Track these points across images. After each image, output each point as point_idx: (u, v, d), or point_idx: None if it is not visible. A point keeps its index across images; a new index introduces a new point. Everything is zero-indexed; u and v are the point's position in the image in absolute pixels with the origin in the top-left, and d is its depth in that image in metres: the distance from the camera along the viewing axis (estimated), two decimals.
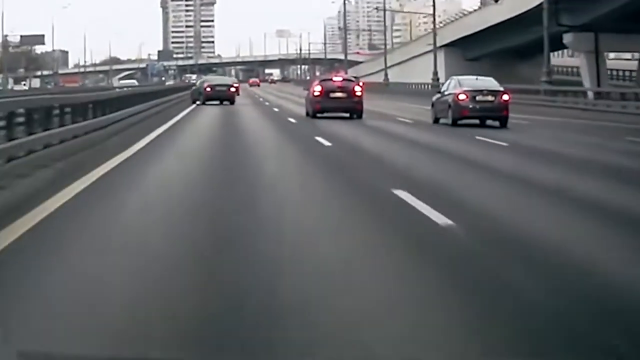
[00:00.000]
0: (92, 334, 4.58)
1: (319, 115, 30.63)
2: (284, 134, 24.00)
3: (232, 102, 46.25)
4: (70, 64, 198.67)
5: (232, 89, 47.32)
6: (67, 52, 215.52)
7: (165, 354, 4.26)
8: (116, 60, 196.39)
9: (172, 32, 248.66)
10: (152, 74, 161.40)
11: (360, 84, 33.28)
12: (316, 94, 31.12)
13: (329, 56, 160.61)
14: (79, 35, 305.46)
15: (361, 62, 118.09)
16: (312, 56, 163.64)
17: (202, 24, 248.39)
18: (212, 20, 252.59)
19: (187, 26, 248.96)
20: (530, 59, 68.18)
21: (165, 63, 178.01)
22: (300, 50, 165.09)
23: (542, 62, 52.89)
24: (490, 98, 26.15)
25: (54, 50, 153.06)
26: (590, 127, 28.57)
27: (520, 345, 4.62)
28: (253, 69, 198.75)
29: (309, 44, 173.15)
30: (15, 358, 2.45)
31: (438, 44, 72.40)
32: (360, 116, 30.71)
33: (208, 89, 46.92)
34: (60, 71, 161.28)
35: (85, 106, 19.96)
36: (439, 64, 71.67)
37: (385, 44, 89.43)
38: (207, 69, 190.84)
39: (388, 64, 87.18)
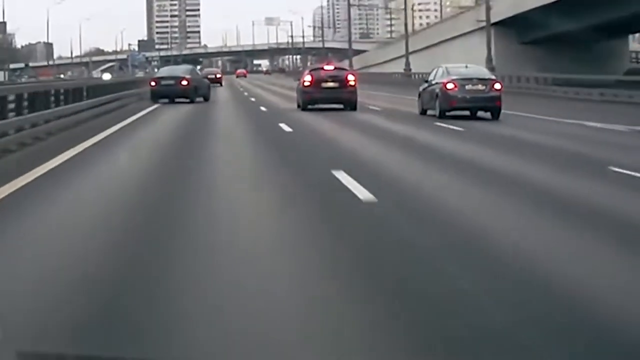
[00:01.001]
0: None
1: (309, 107, 29.13)
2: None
3: (192, 100, 36.68)
4: (55, 57, 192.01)
5: (184, 82, 36.77)
6: (51, 45, 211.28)
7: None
8: (100, 52, 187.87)
9: (157, 22, 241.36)
10: (134, 66, 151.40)
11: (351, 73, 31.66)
12: (306, 84, 29.62)
13: (319, 45, 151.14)
14: (66, 28, 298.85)
15: (364, 51, 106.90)
16: (297, 45, 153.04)
17: (188, 13, 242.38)
18: (198, 10, 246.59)
19: (172, 16, 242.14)
20: (606, 41, 56.44)
21: (148, 54, 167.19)
22: (292, 38, 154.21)
23: (617, 47, 42.87)
24: (480, 87, 24.97)
25: (38, 43, 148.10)
26: None
27: (420, 289, 5.69)
28: (240, 59, 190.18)
29: (303, 31, 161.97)
30: (14, 358, 2.28)
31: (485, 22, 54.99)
32: (354, 108, 29.06)
33: (152, 83, 38.09)
34: (35, 64, 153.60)
35: None
36: (478, 49, 54.73)
37: (406, 25, 72.31)
38: (192, 59, 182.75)
39: (400, 53, 74.75)
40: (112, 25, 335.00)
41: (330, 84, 29.48)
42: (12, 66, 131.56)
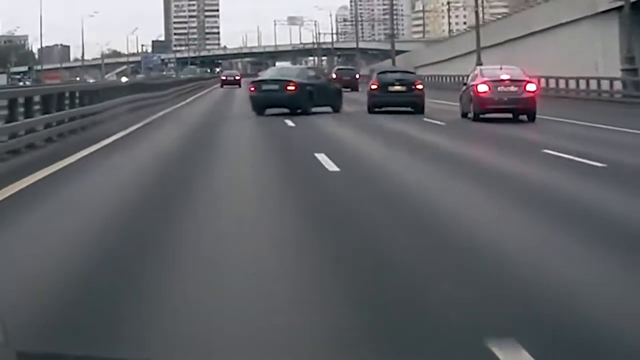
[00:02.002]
0: None
1: (377, 110, 29.50)
2: None
3: (305, 111, 27.63)
4: (72, 59, 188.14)
5: (292, 87, 27.65)
6: (68, 47, 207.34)
7: None
8: (117, 54, 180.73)
9: (174, 22, 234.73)
10: (148, 68, 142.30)
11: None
12: (373, 87, 30.02)
13: (340, 46, 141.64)
14: (85, 30, 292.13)
15: (406, 51, 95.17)
16: (325, 46, 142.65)
17: (207, 13, 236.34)
18: (217, 10, 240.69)
19: (190, 16, 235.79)
20: None
21: (164, 56, 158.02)
22: (318, 37, 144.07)
23: None
24: (513, 89, 24.84)
25: (55, 45, 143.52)
26: None
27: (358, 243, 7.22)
28: (262, 61, 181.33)
29: (332, 30, 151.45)
30: (14, 358, 2.30)
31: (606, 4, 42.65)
32: (421, 111, 29.04)
33: (252, 89, 29.19)
34: (45, 67, 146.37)
35: None
36: (588, 41, 42.55)
37: (477, 14, 56.38)
38: (210, 61, 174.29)
39: (465, 50, 63.28)
40: (130, 28, 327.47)
41: (398, 88, 29.50)
42: (14, 69, 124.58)
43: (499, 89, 24.58)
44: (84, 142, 17.19)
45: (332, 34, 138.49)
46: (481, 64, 44.69)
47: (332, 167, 12.70)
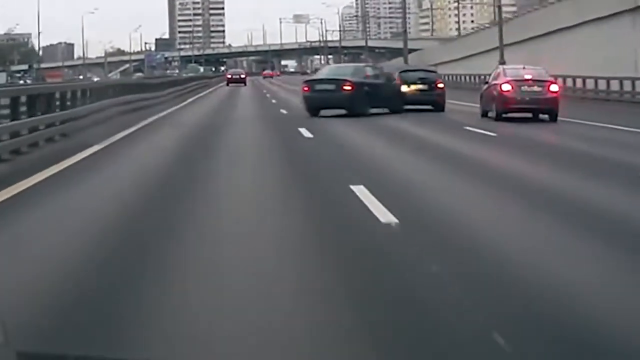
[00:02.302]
0: None
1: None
2: None
3: (362, 113, 25.92)
4: (76, 57, 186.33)
5: (348, 87, 25.88)
6: (72, 45, 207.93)
7: None
8: (121, 53, 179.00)
9: (179, 21, 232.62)
10: (151, 67, 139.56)
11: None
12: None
13: (348, 44, 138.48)
14: (89, 29, 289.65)
15: (415, 49, 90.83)
16: (331, 44, 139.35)
17: (212, 12, 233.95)
18: (222, 8, 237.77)
19: (195, 14, 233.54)
20: None
21: (168, 54, 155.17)
22: (325, 36, 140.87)
23: None
24: (537, 88, 24.71)
25: (59, 43, 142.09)
26: None
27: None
28: (267, 60, 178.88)
29: (340, 27, 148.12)
30: (14, 358, 2.32)
31: None
32: (442, 109, 29.51)
33: (305, 88, 26.97)
34: (47, 65, 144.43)
35: None
36: (627, 38, 38.84)
37: (500, 10, 50.83)
38: (215, 60, 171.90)
39: (484, 47, 59.67)
40: (134, 26, 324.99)
41: (420, 87, 30.20)
42: (15, 68, 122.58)
43: (522, 88, 24.55)
44: (51, 158, 13.85)
45: (339, 31, 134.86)
46: (504, 63, 41.68)
47: (383, 213, 8.20)
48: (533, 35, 52.69)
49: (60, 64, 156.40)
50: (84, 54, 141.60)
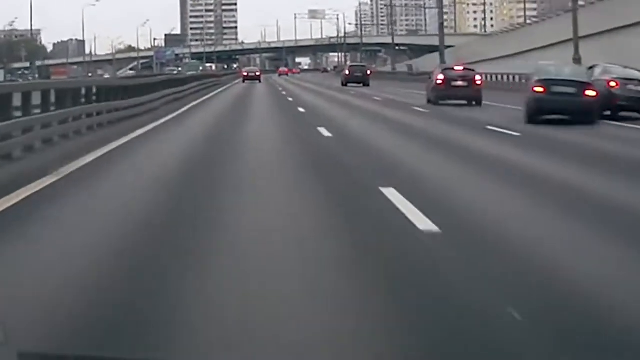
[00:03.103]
0: None
1: (440, 102, 31.95)
2: None
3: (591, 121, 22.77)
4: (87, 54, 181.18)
5: (592, 93, 22.28)
6: (83, 42, 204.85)
7: None
8: (131, 49, 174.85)
9: (191, 17, 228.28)
10: (162, 64, 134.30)
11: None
12: (439, 82, 32.44)
13: (366, 41, 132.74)
14: (101, 25, 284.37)
15: (451, 46, 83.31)
16: (349, 41, 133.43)
17: (224, 7, 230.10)
18: (235, 4, 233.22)
19: (207, 11, 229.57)
20: None
21: (179, 51, 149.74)
22: (345, 33, 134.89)
23: None
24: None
25: (70, 40, 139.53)
26: None
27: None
28: (281, 57, 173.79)
29: (360, 23, 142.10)
30: (14, 358, 2.32)
31: None
32: (479, 104, 31.82)
33: (538, 89, 22.84)
34: (52, 62, 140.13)
35: None
36: None
37: None
38: (227, 57, 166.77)
39: (545, 42, 52.23)
40: (146, 23, 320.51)
41: (460, 83, 32.35)
42: (18, 65, 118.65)
43: (628, 87, 24.03)
44: None
45: (359, 26, 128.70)
46: (578, 59, 35.82)
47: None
48: (610, 27, 45.26)
49: (64, 60, 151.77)
50: (84, 50, 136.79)
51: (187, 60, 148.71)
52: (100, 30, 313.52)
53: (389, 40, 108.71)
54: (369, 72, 63.52)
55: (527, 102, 22.46)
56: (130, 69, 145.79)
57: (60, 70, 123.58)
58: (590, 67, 25.64)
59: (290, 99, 39.15)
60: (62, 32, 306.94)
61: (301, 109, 29.62)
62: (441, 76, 32.22)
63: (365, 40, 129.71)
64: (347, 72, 62.45)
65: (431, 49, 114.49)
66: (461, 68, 34.03)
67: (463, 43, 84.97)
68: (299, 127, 21.26)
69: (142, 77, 42.74)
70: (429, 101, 32.33)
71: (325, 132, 18.66)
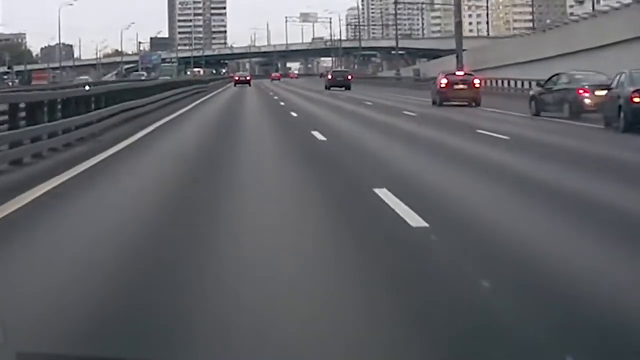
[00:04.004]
0: None
1: (444, 103, 35.74)
2: None
3: None
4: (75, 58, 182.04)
5: None
6: (71, 46, 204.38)
7: None
8: (118, 54, 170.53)
9: (179, 21, 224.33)
10: (147, 68, 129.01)
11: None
12: (442, 85, 36.45)
13: (346, 45, 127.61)
14: (87, 31, 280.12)
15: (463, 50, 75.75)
16: (360, 43, 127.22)
17: (213, 11, 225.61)
18: (224, 8, 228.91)
19: (195, 14, 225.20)
20: None
21: (165, 55, 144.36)
22: (340, 36, 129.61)
23: None
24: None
25: (57, 44, 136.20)
26: None
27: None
28: (271, 62, 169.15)
29: (359, 26, 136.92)
30: (14, 358, 2.36)
31: None
32: (478, 104, 35.27)
33: None
34: (34, 67, 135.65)
35: None
36: None
37: None
38: (216, 61, 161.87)
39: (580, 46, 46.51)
40: (132, 28, 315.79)
41: (461, 86, 36.48)
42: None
43: None
44: None
45: (359, 26, 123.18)
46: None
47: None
48: None
49: (51, 65, 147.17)
50: (79, 55, 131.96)
51: (174, 64, 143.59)
52: (90, 36, 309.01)
53: (385, 44, 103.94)
54: (349, 77, 70.64)
55: (625, 113, 20.92)
56: (116, 74, 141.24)
57: (40, 75, 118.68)
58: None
59: (294, 114, 29.47)
60: (54, 37, 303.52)
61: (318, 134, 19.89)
62: (444, 80, 36.43)
63: (356, 44, 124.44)
64: (330, 77, 71.11)
65: (428, 53, 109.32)
66: (462, 73, 39.02)
67: (478, 46, 76.89)
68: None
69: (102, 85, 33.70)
70: (433, 103, 36.86)
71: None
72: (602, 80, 26.74)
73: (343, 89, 62.81)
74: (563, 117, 26.27)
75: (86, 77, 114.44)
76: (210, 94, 55.45)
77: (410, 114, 29.98)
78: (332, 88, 63.98)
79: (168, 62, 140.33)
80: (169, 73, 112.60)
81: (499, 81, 52.54)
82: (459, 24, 55.40)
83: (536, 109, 28.65)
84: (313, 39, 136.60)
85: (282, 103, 39.64)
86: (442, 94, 36.23)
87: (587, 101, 26.18)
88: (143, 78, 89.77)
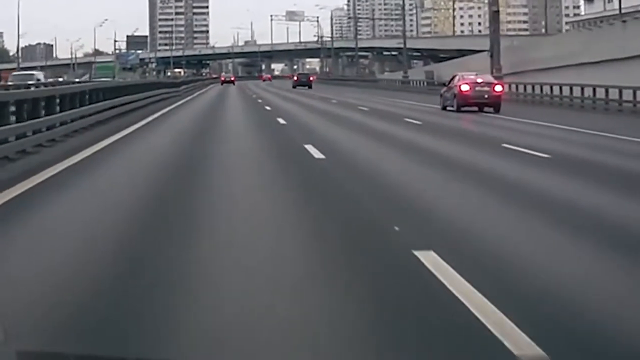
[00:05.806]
0: None
1: (463, 108, 34.88)
2: None
3: None
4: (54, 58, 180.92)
5: None
6: (51, 46, 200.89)
7: None
8: (99, 53, 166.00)
9: (160, 20, 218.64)
10: (125, 68, 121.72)
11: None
12: (464, 89, 35.07)
13: (348, 45, 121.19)
14: (62, 28, 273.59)
15: (478, 51, 66.33)
16: (356, 43, 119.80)
17: (195, 10, 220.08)
18: (207, 7, 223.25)
19: (177, 13, 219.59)
20: None
21: (144, 55, 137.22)
22: (332, 35, 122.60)
23: None
24: None
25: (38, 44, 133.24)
26: None
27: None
28: (255, 62, 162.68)
29: (355, 25, 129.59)
30: (14, 358, 2.33)
31: None
32: (498, 110, 34.19)
33: None
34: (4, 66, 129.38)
35: None
36: None
37: None
38: (198, 61, 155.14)
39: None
40: (112, 27, 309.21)
41: (481, 89, 35.15)
42: None
43: None
44: None
45: (355, 27, 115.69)
46: None
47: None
48: None
49: (37, 63, 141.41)
50: (18, 50, 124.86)
51: (152, 65, 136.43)
52: (69, 35, 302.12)
53: (384, 44, 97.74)
54: (311, 78, 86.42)
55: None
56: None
57: (4, 74, 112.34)
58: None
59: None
60: (28, 36, 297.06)
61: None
62: (466, 86, 34.87)
63: (345, 45, 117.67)
64: (295, 79, 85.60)
65: (425, 55, 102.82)
66: (481, 79, 36.76)
67: (506, 46, 64.11)
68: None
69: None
70: (443, 108, 36.04)
71: None
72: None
73: (306, 87, 76.91)
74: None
75: (62, 78, 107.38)
76: (179, 102, 42.85)
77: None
78: (297, 87, 77.49)
79: (147, 62, 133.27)
80: (108, 74, 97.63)
81: (548, 87, 43.14)
82: (495, 14, 44.55)
83: (442, 104, 36.08)
84: (316, 40, 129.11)
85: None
86: (462, 99, 34.84)
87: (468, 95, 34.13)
88: (33, 82, 56.88)
